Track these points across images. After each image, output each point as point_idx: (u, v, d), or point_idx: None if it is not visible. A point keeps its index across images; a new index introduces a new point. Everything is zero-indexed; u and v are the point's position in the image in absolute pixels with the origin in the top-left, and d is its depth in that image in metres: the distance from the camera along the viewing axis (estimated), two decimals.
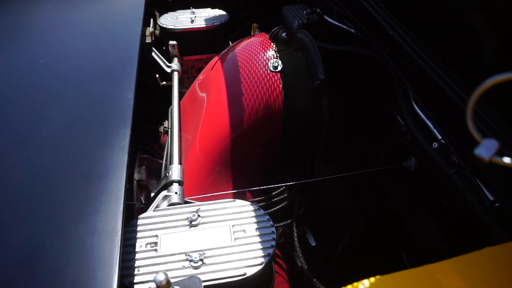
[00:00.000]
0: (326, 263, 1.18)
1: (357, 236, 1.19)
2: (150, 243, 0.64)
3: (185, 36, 1.45)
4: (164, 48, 1.50)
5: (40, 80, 0.81)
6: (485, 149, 0.31)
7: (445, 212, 0.92)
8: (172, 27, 1.44)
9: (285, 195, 1.07)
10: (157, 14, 1.61)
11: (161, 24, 1.45)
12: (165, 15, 1.52)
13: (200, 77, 1.27)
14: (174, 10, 1.56)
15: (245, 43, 1.13)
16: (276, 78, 1.01)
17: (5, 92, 0.78)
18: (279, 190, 1.07)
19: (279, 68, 1.02)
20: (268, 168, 1.16)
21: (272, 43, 1.08)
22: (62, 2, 1.20)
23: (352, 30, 1.18)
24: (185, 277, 0.51)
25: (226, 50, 1.20)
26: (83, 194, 0.58)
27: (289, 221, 1.05)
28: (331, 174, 1.20)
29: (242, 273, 0.60)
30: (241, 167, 1.07)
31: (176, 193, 0.87)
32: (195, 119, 1.15)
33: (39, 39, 0.95)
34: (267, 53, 1.05)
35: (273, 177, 1.20)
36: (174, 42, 1.44)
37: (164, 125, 1.36)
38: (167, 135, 1.23)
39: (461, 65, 0.71)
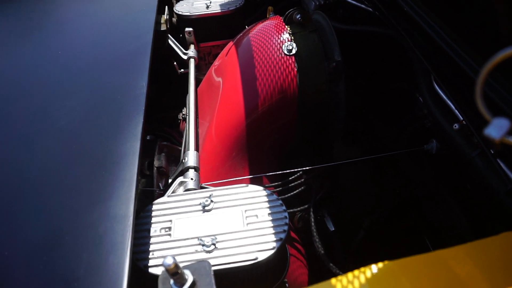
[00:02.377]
0: (344, 249, 1.17)
1: (378, 221, 1.17)
2: (164, 228, 0.65)
3: (201, 23, 1.44)
4: (180, 35, 1.50)
5: (56, 71, 0.83)
6: (495, 128, 0.29)
7: (468, 196, 0.88)
8: (188, 13, 1.43)
9: (303, 180, 1.06)
10: (174, 1, 1.60)
11: (176, 11, 1.45)
12: (181, 2, 1.51)
13: (216, 63, 1.26)
14: None
15: (259, 27, 1.11)
16: (290, 61, 0.99)
17: (23, 84, 0.80)
18: (296, 175, 1.06)
19: (294, 51, 1.00)
20: (285, 153, 1.15)
21: (286, 26, 1.06)
22: None
23: (370, 9, 1.13)
24: (195, 261, 0.52)
25: (240, 34, 1.19)
26: (97, 181, 0.60)
27: (306, 206, 1.04)
28: (352, 158, 1.18)
29: (254, 257, 0.60)
30: (257, 152, 1.06)
31: (192, 179, 0.88)
32: (211, 105, 1.15)
33: (54, 30, 0.97)
34: (281, 36, 1.03)
35: (289, 162, 1.19)
36: (190, 29, 1.44)
37: (183, 112, 1.37)
38: (185, 122, 1.24)
39: (481, 44, 0.67)
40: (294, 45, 1.00)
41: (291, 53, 1.00)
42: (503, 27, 0.33)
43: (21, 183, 0.59)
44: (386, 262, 0.42)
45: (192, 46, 1.45)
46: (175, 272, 0.47)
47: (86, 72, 0.84)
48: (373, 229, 1.16)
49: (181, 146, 1.16)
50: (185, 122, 1.28)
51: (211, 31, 1.48)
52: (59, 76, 0.84)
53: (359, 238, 1.15)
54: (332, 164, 1.08)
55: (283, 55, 1.00)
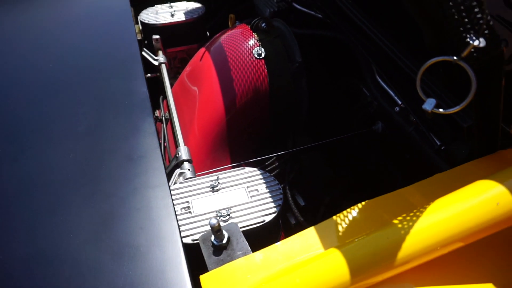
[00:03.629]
0: (313, 220, 1.38)
1: (337, 197, 1.39)
2: (184, 208, 0.80)
3: (167, 30, 1.56)
4: (146, 42, 1.61)
5: (57, 83, 0.92)
6: (428, 104, 0.50)
7: (407, 164, 1.13)
8: (155, 22, 1.54)
9: (277, 164, 1.25)
10: (132, 9, 1.69)
11: (143, 20, 1.55)
12: (145, 10, 1.61)
13: (188, 68, 1.40)
14: (151, 5, 1.66)
15: (229, 34, 1.27)
16: (261, 64, 1.17)
17: (30, 97, 0.89)
18: (270, 161, 1.25)
19: (263, 55, 1.17)
20: (259, 143, 1.33)
21: (253, 33, 1.23)
22: (50, 4, 1.28)
23: (320, 16, 1.35)
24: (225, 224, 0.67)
25: (211, 41, 1.34)
26: (131, 172, 0.72)
27: (282, 185, 1.23)
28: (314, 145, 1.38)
29: (261, 220, 0.78)
30: (236, 144, 1.23)
31: (188, 169, 1.02)
32: (190, 106, 1.29)
33: (39, 42, 1.04)
34: (250, 42, 1.20)
35: (263, 150, 1.37)
36: (157, 36, 1.55)
37: (156, 114, 1.48)
38: (162, 123, 1.36)
39: (411, 46, 0.90)
40: (263, 49, 1.18)
41: (260, 57, 1.17)
42: (425, 39, 0.51)
43: (72, 179, 0.70)
44: (365, 201, 0.62)
45: (160, 52, 1.56)
46: (218, 230, 0.62)
47: (88, 80, 0.94)
48: (334, 204, 1.37)
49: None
50: (161, 122, 1.40)
51: (176, 37, 1.61)
52: (60, 87, 0.93)
53: (321, 214, 1.36)
54: (298, 148, 1.29)
55: (254, 58, 1.18)
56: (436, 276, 0.52)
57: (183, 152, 1.07)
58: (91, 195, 0.69)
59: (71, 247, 0.62)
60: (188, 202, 0.81)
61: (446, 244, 0.48)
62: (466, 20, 0.42)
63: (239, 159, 1.23)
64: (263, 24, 1.22)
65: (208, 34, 1.71)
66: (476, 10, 0.42)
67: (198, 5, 1.65)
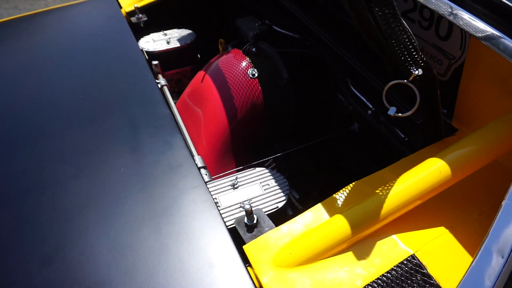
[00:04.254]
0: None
1: (323, 191, 1.64)
2: (215, 203, 1.01)
3: (165, 56, 1.77)
4: None
5: (96, 112, 1.12)
6: (391, 111, 0.75)
7: (380, 156, 1.39)
8: (154, 49, 1.75)
9: (274, 164, 1.48)
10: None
11: (143, 48, 1.75)
12: (142, 39, 1.81)
13: (189, 89, 1.61)
14: (147, 33, 1.86)
15: (225, 58, 1.50)
16: (255, 82, 1.41)
17: (78, 124, 1.08)
18: (268, 163, 1.48)
19: (256, 75, 1.41)
20: (256, 147, 1.56)
21: (246, 57, 1.46)
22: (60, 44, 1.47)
23: (296, 36, 1.60)
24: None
25: (209, 65, 1.56)
26: (174, 177, 0.94)
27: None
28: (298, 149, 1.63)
29: (275, 207, 1.00)
30: (239, 150, 1.45)
31: (206, 174, 1.23)
32: (195, 121, 1.50)
33: (69, 74, 1.24)
34: (244, 64, 1.44)
35: (258, 154, 1.60)
36: (156, 62, 1.75)
37: None
38: None
39: (377, 67, 1.16)
40: (256, 70, 1.41)
41: (254, 76, 1.41)
42: (386, 66, 0.75)
43: (128, 188, 0.91)
44: (354, 182, 0.86)
45: (160, 76, 1.77)
46: (250, 213, 0.85)
47: (120, 108, 1.14)
48: (320, 199, 1.61)
49: None
50: None
51: (172, 61, 1.82)
52: (102, 112, 1.13)
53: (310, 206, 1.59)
54: (291, 150, 1.52)
55: (249, 78, 1.41)
56: (407, 226, 0.77)
57: (198, 161, 1.28)
58: (148, 197, 0.89)
59: (142, 236, 0.82)
60: (216, 198, 1.03)
61: (411, 202, 0.73)
62: (409, 58, 0.67)
63: (241, 162, 1.46)
64: (253, 49, 1.46)
65: (199, 56, 1.93)
66: (414, 52, 0.67)
67: (189, 31, 1.86)
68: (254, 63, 1.44)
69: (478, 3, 0.67)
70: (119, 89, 1.23)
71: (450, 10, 0.70)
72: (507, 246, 0.55)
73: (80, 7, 1.84)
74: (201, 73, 1.56)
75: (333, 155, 1.69)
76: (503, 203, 0.58)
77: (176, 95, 1.86)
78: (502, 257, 0.56)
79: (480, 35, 0.66)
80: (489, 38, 0.65)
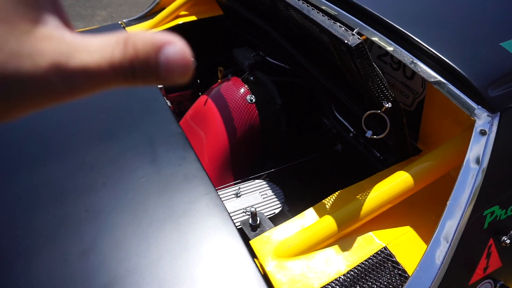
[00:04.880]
0: None
1: (310, 204, 1.83)
2: None
3: None
4: None
5: (115, 131, 1.29)
6: (368, 133, 0.96)
7: (360, 172, 1.61)
8: None
9: (268, 179, 1.67)
10: None
11: None
12: None
13: (191, 111, 1.80)
14: None
15: (226, 85, 1.71)
16: (253, 107, 1.61)
17: (101, 141, 1.25)
18: (263, 178, 1.67)
19: (254, 101, 1.62)
20: (251, 164, 1.75)
21: (245, 84, 1.67)
22: None
23: (287, 67, 1.83)
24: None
25: (210, 90, 1.76)
26: (190, 186, 1.11)
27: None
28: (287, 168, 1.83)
29: (273, 212, 1.19)
30: (237, 166, 1.64)
31: None
32: (198, 140, 1.69)
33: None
34: (243, 91, 1.65)
35: (252, 170, 1.79)
36: (161, 86, 1.94)
37: None
38: None
39: (356, 97, 1.39)
40: (253, 96, 1.62)
41: (252, 102, 1.62)
42: (364, 97, 0.96)
43: (150, 195, 1.08)
44: (338, 191, 1.07)
45: (164, 98, 1.95)
46: (254, 215, 1.03)
47: (137, 128, 1.32)
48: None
49: None
50: None
51: (174, 85, 2.01)
52: (120, 132, 1.30)
53: None
54: (283, 166, 1.72)
55: (247, 103, 1.61)
56: (381, 225, 0.97)
57: None
58: (168, 201, 1.07)
59: (164, 234, 0.99)
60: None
61: (383, 205, 0.93)
62: (381, 94, 0.89)
63: (238, 177, 1.64)
64: (251, 77, 1.68)
65: (198, 81, 2.14)
66: (384, 90, 0.89)
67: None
68: (252, 90, 1.65)
69: (431, 58, 0.90)
70: (134, 109, 1.41)
71: (411, 60, 0.93)
72: (450, 234, 0.76)
73: (91, 34, 2.03)
74: (203, 97, 1.75)
75: (319, 171, 1.90)
76: (448, 202, 0.78)
77: (177, 116, 2.05)
78: (447, 242, 0.76)
79: (432, 80, 0.89)
80: (437, 83, 0.87)
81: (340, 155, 1.67)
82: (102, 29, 2.10)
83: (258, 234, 1.02)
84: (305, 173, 1.94)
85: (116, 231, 1.00)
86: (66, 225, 1.02)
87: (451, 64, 0.85)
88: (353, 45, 0.73)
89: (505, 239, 0.85)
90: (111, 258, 0.95)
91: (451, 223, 0.76)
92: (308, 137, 1.90)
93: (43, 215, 1.04)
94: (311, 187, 1.95)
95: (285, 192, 1.85)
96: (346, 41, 0.74)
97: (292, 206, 1.77)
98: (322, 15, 0.83)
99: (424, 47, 0.91)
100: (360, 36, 0.77)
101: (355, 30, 0.82)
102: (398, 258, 0.90)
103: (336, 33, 0.76)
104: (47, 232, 1.00)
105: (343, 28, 0.78)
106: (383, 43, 1.00)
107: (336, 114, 1.61)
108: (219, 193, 1.24)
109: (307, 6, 0.89)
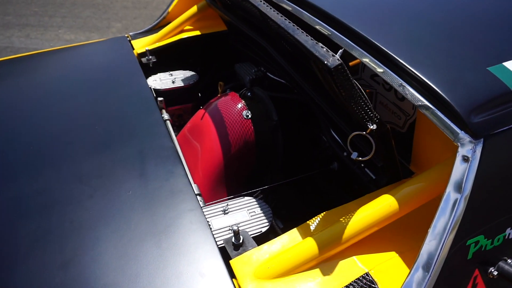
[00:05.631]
0: None
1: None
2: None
3: (169, 93, 1.99)
4: None
5: (107, 142, 1.30)
6: (354, 155, 0.94)
7: (356, 192, 1.58)
8: (160, 87, 1.96)
9: (261, 196, 1.65)
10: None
11: (150, 86, 1.97)
12: (150, 78, 2.03)
13: (189, 125, 1.81)
14: (154, 73, 2.08)
15: (224, 100, 1.71)
16: (248, 123, 1.61)
17: (93, 152, 1.26)
18: (257, 193, 1.65)
19: (250, 116, 1.62)
20: (246, 179, 1.74)
21: (242, 100, 1.68)
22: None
23: (284, 82, 1.83)
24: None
25: (208, 104, 1.77)
26: (175, 201, 1.11)
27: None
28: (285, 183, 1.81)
29: (259, 231, 1.17)
30: (230, 181, 1.63)
31: (200, 201, 1.40)
32: (193, 153, 1.69)
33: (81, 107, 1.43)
34: (240, 106, 1.65)
35: (248, 185, 1.78)
36: (162, 99, 1.96)
37: None
38: None
39: (345, 114, 1.38)
40: (250, 112, 1.62)
41: (248, 117, 1.62)
42: (352, 118, 0.94)
43: (135, 208, 1.07)
44: (324, 212, 1.04)
45: (164, 111, 1.97)
46: (237, 233, 1.01)
47: (130, 140, 1.32)
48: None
49: None
50: None
51: (176, 99, 2.03)
52: (113, 143, 1.31)
53: None
54: (277, 183, 1.70)
55: (243, 119, 1.61)
56: (366, 249, 0.94)
57: (195, 189, 1.45)
58: (151, 215, 1.06)
59: (145, 248, 0.98)
60: (209, 221, 1.19)
61: (366, 229, 0.91)
62: (366, 116, 0.88)
63: (232, 191, 1.63)
64: (249, 93, 1.68)
65: (199, 95, 2.15)
66: (369, 112, 0.87)
67: (192, 73, 2.10)
68: (249, 106, 1.65)
69: (417, 81, 0.89)
70: (130, 122, 1.42)
71: (400, 83, 0.92)
72: (431, 263, 0.73)
73: (97, 46, 2.08)
74: (201, 111, 1.76)
75: (316, 189, 1.87)
76: (428, 230, 0.76)
77: (176, 128, 2.06)
78: (427, 272, 0.73)
79: (418, 103, 0.87)
80: (423, 106, 0.86)
81: (336, 174, 1.65)
82: (109, 42, 2.15)
83: (240, 254, 1.00)
84: (302, 190, 1.92)
85: (97, 245, 1.00)
86: (49, 236, 1.02)
87: (435, 88, 0.83)
88: (332, 66, 0.73)
89: (493, 270, 0.82)
90: (90, 272, 0.94)
91: (432, 252, 0.73)
92: (306, 154, 1.88)
93: (28, 225, 1.05)
94: (307, 204, 1.93)
95: (280, 208, 1.83)
96: (325, 62, 0.74)
97: (288, 223, 1.75)
98: (306, 35, 0.83)
99: (410, 71, 0.89)
100: (347, 57, 0.76)
101: (340, 51, 0.81)
102: (380, 285, 0.87)
103: (317, 54, 0.76)
104: (30, 242, 1.00)
105: (325, 49, 0.77)
106: (373, 65, 0.99)
107: (332, 132, 1.60)
108: (206, 209, 1.23)
109: (293, 25, 0.89)
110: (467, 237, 0.78)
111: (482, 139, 0.78)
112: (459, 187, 0.76)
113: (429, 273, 0.73)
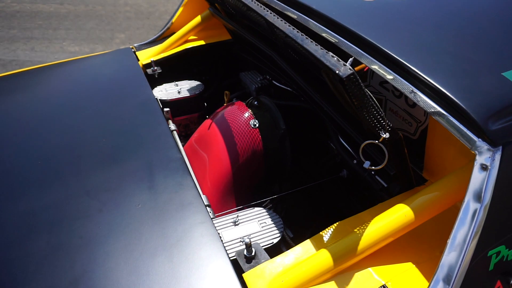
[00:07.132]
0: None
1: (316, 231, 1.78)
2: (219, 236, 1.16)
3: (175, 104, 1.98)
4: None
5: (116, 155, 1.30)
6: (366, 164, 0.92)
7: (365, 199, 1.56)
8: (166, 98, 1.96)
9: (270, 205, 1.64)
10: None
11: (156, 97, 1.97)
12: (156, 88, 2.03)
13: (196, 134, 1.80)
14: (160, 84, 2.08)
15: (230, 109, 1.70)
16: (256, 132, 1.60)
17: (102, 165, 1.25)
18: (266, 203, 1.63)
19: (257, 125, 1.60)
20: (254, 189, 1.72)
21: (249, 109, 1.67)
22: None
23: (290, 89, 1.82)
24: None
25: (215, 114, 1.76)
26: (185, 213, 1.09)
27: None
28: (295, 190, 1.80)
29: (271, 242, 1.15)
30: (239, 191, 1.61)
31: (210, 212, 1.39)
32: (201, 164, 1.67)
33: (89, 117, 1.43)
34: (247, 116, 1.64)
35: (257, 194, 1.76)
36: (168, 109, 1.96)
37: None
38: None
39: (356, 122, 1.36)
40: (257, 121, 1.61)
41: (256, 127, 1.60)
42: (363, 127, 0.93)
43: (145, 221, 1.06)
44: (337, 222, 1.02)
45: (170, 121, 1.96)
46: (249, 246, 1.00)
47: (139, 152, 1.32)
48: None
49: None
50: None
51: (182, 109, 2.03)
52: (122, 155, 1.30)
53: None
54: (287, 192, 1.69)
55: (251, 128, 1.60)
56: (382, 260, 0.92)
57: (204, 200, 1.44)
58: (162, 229, 1.05)
59: (157, 263, 0.97)
60: (220, 233, 1.17)
61: (381, 240, 0.89)
62: (378, 124, 0.86)
63: (241, 201, 1.61)
64: (255, 102, 1.67)
65: (205, 104, 2.15)
66: (381, 120, 0.86)
67: (198, 82, 2.09)
68: (256, 115, 1.64)
69: (429, 88, 0.87)
70: (137, 134, 1.41)
71: (411, 89, 0.90)
72: (452, 276, 0.71)
73: (102, 58, 2.08)
74: (208, 121, 1.75)
75: (325, 197, 1.85)
76: (448, 241, 0.74)
77: (183, 138, 2.05)
78: (448, 285, 0.71)
79: (431, 110, 0.85)
80: (437, 113, 0.84)
81: (346, 181, 1.63)
82: (114, 54, 2.15)
83: (253, 266, 0.98)
84: (311, 199, 1.90)
85: (107, 260, 0.98)
86: (59, 251, 1.01)
87: (449, 95, 0.82)
88: (344, 76, 0.71)
89: None
90: None
91: (452, 264, 0.71)
92: (314, 162, 1.86)
93: (38, 241, 1.04)
94: (317, 213, 1.90)
95: (290, 218, 1.81)
96: (337, 72, 0.73)
97: (297, 233, 1.72)
98: (315, 45, 0.82)
99: (422, 77, 0.88)
100: (357, 65, 0.75)
101: (350, 59, 0.80)
102: None
103: (327, 63, 0.75)
104: (39, 258, 0.99)
105: (336, 58, 0.76)
106: (382, 72, 0.98)
107: (341, 139, 1.58)
108: (216, 221, 1.21)
109: (301, 35, 0.88)
110: (488, 248, 0.75)
111: (500, 147, 0.76)
112: (478, 197, 0.74)
113: (450, 286, 0.70)
